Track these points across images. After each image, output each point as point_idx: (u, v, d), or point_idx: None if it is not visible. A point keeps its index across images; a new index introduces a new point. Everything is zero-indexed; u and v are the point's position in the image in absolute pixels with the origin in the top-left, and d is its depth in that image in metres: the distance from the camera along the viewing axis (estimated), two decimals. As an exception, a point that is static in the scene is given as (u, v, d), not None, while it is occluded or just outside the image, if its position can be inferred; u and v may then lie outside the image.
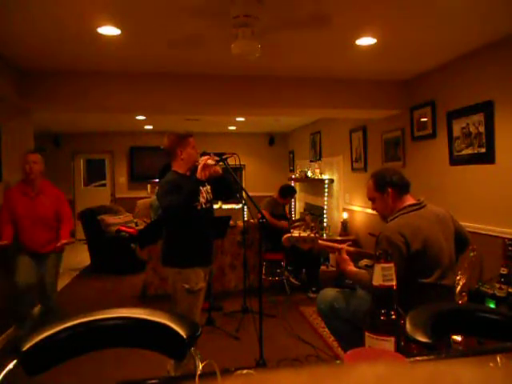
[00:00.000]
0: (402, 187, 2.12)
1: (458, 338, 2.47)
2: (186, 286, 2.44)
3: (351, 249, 2.32)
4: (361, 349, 0.84)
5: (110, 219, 6.21)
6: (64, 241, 3.32)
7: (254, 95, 4.16)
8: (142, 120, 6.97)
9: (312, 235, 2.28)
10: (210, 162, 2.46)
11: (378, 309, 0.90)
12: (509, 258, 2.82)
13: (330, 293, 2.47)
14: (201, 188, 2.52)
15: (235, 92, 4.12)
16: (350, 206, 5.79)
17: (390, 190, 2.11)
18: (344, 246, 2.25)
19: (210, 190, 2.65)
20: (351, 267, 2.16)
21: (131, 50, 3.29)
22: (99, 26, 2.72)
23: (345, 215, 5.81)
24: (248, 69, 3.86)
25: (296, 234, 2.29)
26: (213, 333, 3.66)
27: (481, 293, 2.87)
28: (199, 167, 2.43)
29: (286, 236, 2.27)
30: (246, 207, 3.00)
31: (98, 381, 2.79)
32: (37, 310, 3.68)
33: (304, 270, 5.16)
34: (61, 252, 3.45)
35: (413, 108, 4.20)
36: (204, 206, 2.55)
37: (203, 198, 2.55)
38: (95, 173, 9.54)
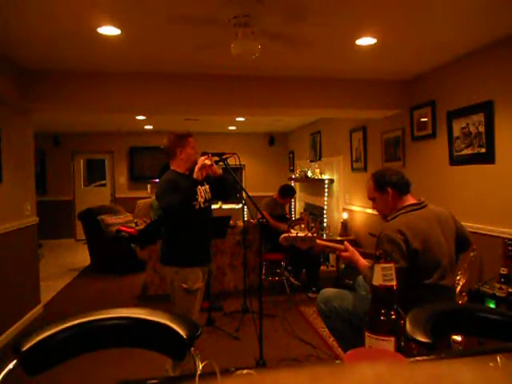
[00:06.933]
0: (402, 187, 2.12)
1: (458, 337, 2.47)
2: (184, 286, 2.45)
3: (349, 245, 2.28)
4: (361, 349, 0.84)
5: (109, 219, 6.21)
6: None
7: (254, 95, 4.15)
8: (142, 120, 6.97)
9: (310, 234, 2.24)
10: (208, 162, 2.47)
11: (378, 309, 0.91)
12: (509, 257, 2.82)
13: (329, 293, 2.46)
14: (199, 187, 2.52)
15: (235, 92, 4.12)
16: (349, 206, 5.78)
17: (389, 189, 2.11)
18: (345, 242, 2.23)
19: (208, 190, 2.65)
20: (363, 260, 2.11)
21: (131, 50, 3.29)
22: (99, 25, 2.72)
23: (345, 215, 5.80)
24: (248, 69, 3.85)
25: (294, 233, 2.24)
26: (213, 333, 3.66)
27: (481, 293, 2.87)
28: (196, 167, 2.44)
29: (283, 235, 2.23)
30: (245, 207, 3.00)
31: (98, 381, 2.79)
32: None
33: (304, 269, 5.16)
34: None
35: (413, 108, 4.20)
36: (202, 205, 2.55)
37: (201, 197, 2.55)
38: (95, 173, 9.54)
